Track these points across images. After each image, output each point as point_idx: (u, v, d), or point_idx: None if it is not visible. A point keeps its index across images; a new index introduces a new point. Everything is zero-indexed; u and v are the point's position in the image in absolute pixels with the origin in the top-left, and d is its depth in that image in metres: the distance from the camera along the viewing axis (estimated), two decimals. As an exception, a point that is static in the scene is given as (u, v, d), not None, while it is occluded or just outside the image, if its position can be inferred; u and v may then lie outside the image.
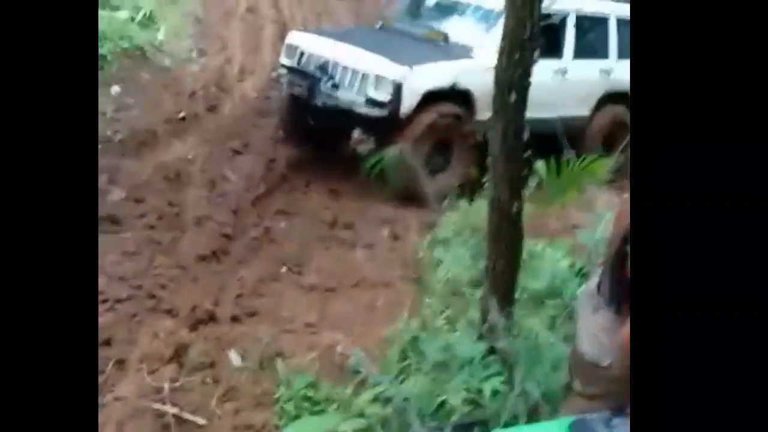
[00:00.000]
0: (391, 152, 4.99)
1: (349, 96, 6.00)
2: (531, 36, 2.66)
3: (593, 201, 5.53)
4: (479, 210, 4.46)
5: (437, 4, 7.44)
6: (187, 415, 3.26)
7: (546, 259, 4.29)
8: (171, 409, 3.26)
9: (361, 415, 3.12)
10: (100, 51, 7.43)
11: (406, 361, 3.44)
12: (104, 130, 6.39)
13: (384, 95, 5.87)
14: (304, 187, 6.23)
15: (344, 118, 6.13)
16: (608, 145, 7.25)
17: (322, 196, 6.12)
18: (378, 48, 6.23)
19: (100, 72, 7.10)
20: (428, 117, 5.97)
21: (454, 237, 4.92)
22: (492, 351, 3.23)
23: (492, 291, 3.22)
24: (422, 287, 4.22)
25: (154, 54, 8.48)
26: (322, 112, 6.16)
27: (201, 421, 3.26)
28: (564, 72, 6.93)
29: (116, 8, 8.71)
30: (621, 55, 7.43)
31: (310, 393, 3.31)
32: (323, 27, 9.28)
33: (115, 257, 4.52)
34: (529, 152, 4.82)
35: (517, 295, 3.51)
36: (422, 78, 5.97)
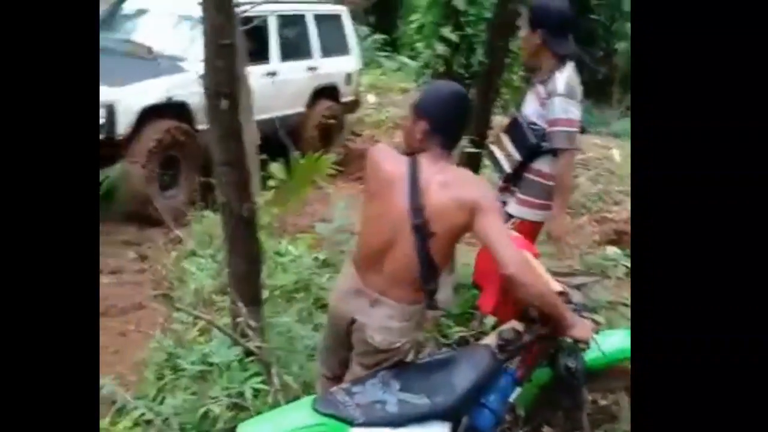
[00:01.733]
0: (115, 172, 4.83)
1: None
2: (231, 41, 2.73)
3: (332, 193, 5.81)
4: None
5: (132, 14, 7.24)
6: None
7: (291, 256, 4.42)
8: None
9: (121, 443, 3.04)
10: None
11: (163, 380, 3.40)
12: None
13: None
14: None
15: None
16: (324, 137, 7.73)
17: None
18: None
19: None
20: (149, 134, 5.84)
21: (200, 248, 4.90)
22: (248, 353, 3.30)
23: (238, 295, 3.27)
24: (172, 303, 4.16)
25: None
26: None
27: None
28: (274, 74, 7.13)
29: None
30: (323, 52, 7.84)
31: None
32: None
33: None
34: (263, 155, 4.99)
35: (266, 294, 3.60)
36: (136, 96, 5.82)
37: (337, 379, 2.71)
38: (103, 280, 5.07)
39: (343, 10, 8.28)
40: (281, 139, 5.90)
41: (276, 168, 5.01)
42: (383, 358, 2.51)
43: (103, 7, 7.61)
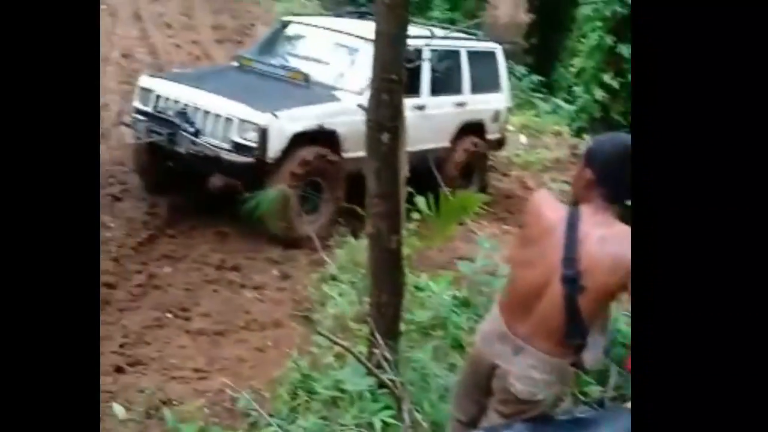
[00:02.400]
0: (270, 195, 4.98)
1: (214, 142, 5.89)
2: (398, 77, 2.76)
3: (475, 232, 5.75)
4: (365, 246, 4.55)
5: (291, 40, 7.45)
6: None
7: (430, 292, 4.40)
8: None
9: (252, 457, 3.11)
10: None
11: (296, 400, 3.45)
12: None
13: (251, 141, 5.80)
14: (190, 231, 6.13)
15: (208, 163, 6.02)
16: (466, 173, 7.68)
17: (208, 238, 6.05)
18: (241, 92, 6.16)
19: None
20: (298, 159, 5.95)
21: (341, 274, 4.98)
22: (381, 385, 3.29)
23: (377, 325, 3.28)
24: (311, 325, 4.24)
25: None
26: (185, 159, 6.02)
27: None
28: (423, 107, 7.07)
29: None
30: (473, 88, 7.76)
31: (200, 440, 3.26)
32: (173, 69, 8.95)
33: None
34: (409, 188, 5.01)
35: (403, 328, 3.60)
36: (289, 122, 5.95)
37: (471, 424, 2.64)
38: (247, 294, 5.27)
39: (497, 48, 8.23)
40: (429, 173, 5.89)
41: (421, 202, 5.02)
42: (522, 409, 2.42)
43: (266, 32, 7.97)
